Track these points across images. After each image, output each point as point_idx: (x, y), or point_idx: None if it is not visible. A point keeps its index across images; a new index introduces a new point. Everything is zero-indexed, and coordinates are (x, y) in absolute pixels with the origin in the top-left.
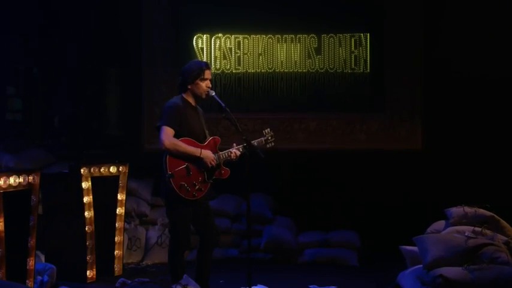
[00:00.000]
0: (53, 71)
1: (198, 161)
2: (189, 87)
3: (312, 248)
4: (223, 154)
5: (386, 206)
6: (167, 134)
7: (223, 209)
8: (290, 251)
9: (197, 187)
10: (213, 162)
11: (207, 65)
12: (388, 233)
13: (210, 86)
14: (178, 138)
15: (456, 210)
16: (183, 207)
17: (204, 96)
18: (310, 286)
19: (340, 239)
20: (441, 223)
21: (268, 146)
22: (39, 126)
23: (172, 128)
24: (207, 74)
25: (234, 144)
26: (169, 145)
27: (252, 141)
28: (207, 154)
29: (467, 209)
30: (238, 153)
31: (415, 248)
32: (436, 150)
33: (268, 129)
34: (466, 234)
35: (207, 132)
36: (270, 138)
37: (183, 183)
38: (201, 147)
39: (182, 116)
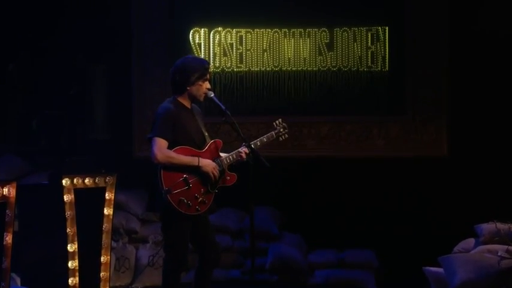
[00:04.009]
0: (31, 67)
1: (197, 171)
2: (188, 88)
3: (324, 268)
4: (227, 158)
5: (408, 221)
6: (159, 146)
7: (224, 224)
8: (299, 272)
9: (200, 200)
10: (214, 171)
11: (208, 64)
12: (410, 252)
13: (209, 86)
14: (174, 147)
15: (487, 227)
16: (181, 223)
17: (202, 98)
18: None
19: (356, 259)
20: (470, 241)
21: (280, 139)
22: (15, 131)
23: (165, 139)
24: (209, 74)
25: (244, 144)
26: (162, 158)
27: (261, 137)
28: (207, 163)
29: (500, 225)
30: (247, 151)
31: (440, 270)
32: (464, 157)
33: (280, 120)
34: (498, 254)
35: (206, 134)
36: (282, 130)
37: (182, 198)
38: (200, 154)
39: (176, 122)
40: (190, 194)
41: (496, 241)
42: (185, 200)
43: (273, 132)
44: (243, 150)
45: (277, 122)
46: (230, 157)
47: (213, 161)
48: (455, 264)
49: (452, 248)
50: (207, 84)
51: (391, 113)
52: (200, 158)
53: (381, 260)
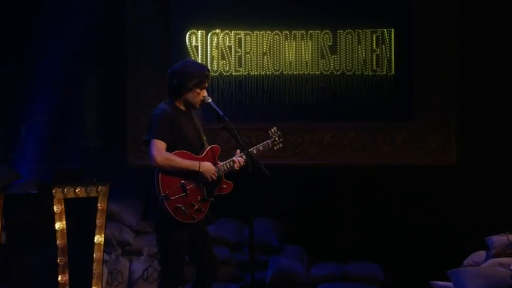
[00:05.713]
0: (20, 71)
1: (195, 176)
2: (184, 93)
3: (327, 282)
4: (224, 165)
5: (415, 233)
6: (158, 149)
7: (222, 235)
8: (301, 286)
9: (196, 207)
10: (214, 176)
11: (209, 71)
12: (417, 265)
13: (206, 95)
14: (170, 151)
15: (499, 239)
16: (177, 233)
17: (198, 105)
18: None
19: (360, 272)
20: (481, 254)
21: (275, 148)
22: (2, 137)
23: (164, 141)
24: (208, 82)
25: (238, 151)
26: (162, 161)
27: (257, 146)
28: (207, 167)
29: None
30: (242, 161)
31: (449, 284)
32: (474, 165)
33: (275, 128)
34: (511, 267)
35: (204, 139)
36: (277, 139)
37: (179, 205)
38: (199, 160)
39: (174, 124)
40: (187, 201)
41: (508, 254)
42: (182, 207)
43: (269, 141)
44: (237, 159)
45: (272, 130)
46: (227, 164)
47: None
48: (465, 278)
49: (462, 261)
50: (204, 93)
51: (397, 119)
52: (201, 163)
53: (386, 273)
